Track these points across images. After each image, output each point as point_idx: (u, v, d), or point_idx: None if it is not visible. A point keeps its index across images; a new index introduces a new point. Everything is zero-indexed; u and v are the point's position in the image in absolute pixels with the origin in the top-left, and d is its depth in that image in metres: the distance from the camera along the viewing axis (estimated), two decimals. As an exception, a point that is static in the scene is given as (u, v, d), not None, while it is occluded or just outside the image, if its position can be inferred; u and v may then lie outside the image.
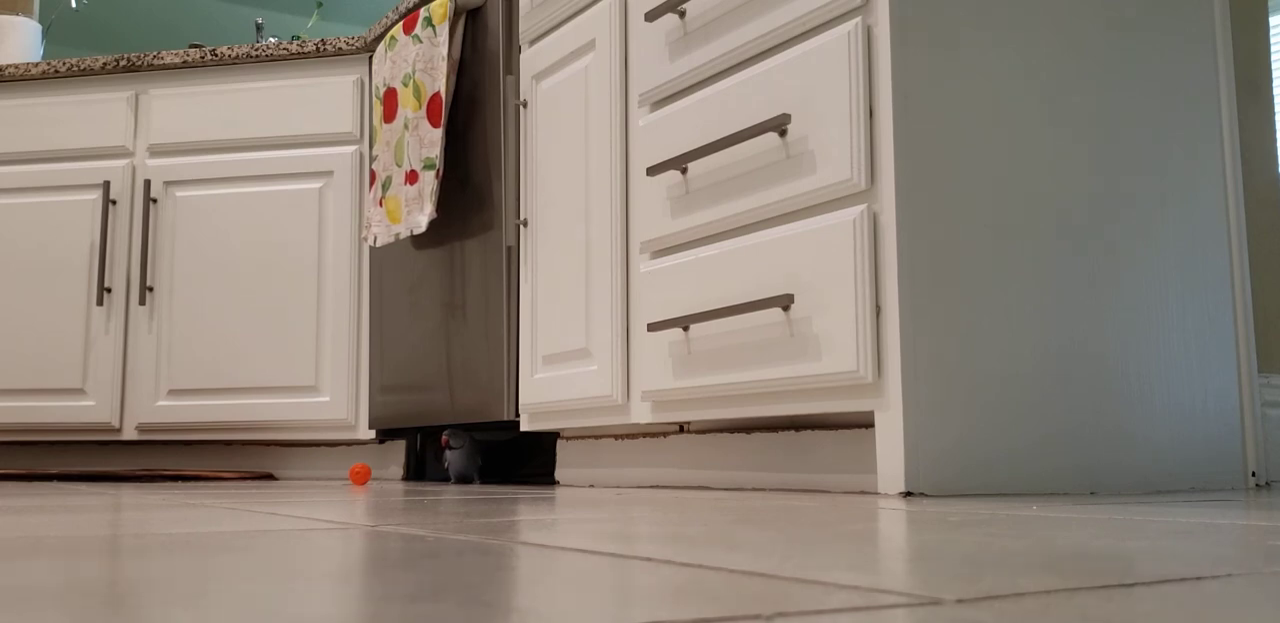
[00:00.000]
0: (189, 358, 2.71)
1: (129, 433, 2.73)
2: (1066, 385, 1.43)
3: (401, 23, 2.39)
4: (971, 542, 0.66)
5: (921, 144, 1.37)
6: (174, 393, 2.71)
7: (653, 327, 1.64)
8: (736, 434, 1.68)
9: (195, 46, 2.93)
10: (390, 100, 2.40)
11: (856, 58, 1.39)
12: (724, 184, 1.58)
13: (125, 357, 2.76)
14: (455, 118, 2.29)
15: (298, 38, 3.03)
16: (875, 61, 1.38)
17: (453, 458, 2.20)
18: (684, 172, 1.66)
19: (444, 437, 2.17)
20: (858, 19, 1.39)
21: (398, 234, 2.32)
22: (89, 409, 2.74)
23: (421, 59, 2.29)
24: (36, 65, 2.86)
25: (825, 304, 1.39)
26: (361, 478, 2.20)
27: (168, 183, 2.79)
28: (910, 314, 1.33)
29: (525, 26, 2.14)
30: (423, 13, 2.30)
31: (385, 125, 2.42)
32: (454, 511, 1.07)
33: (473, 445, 2.21)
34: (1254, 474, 1.61)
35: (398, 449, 2.66)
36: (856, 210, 1.37)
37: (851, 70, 1.39)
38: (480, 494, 1.52)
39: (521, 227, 2.08)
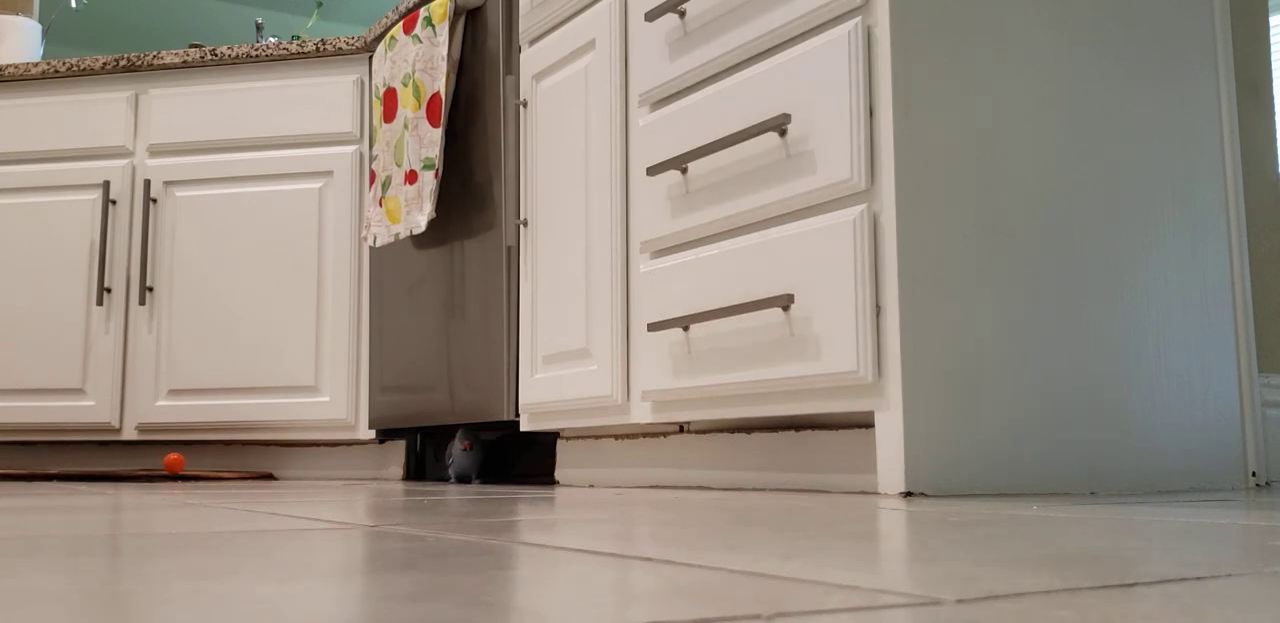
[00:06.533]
0: (189, 358, 2.71)
1: (129, 433, 2.73)
2: (1066, 385, 1.43)
3: (401, 23, 2.39)
4: (971, 542, 0.66)
5: (921, 144, 1.37)
6: (174, 393, 2.71)
7: (653, 327, 1.64)
8: (736, 434, 1.68)
9: (195, 46, 2.93)
10: (390, 100, 2.40)
11: (856, 58, 1.39)
12: (724, 184, 1.58)
13: (125, 357, 2.76)
14: (455, 118, 2.29)
15: (298, 38, 3.03)
16: (875, 61, 1.38)
17: (456, 457, 2.21)
18: (684, 171, 1.66)
19: (466, 441, 2.17)
20: (858, 19, 1.39)
21: (397, 234, 2.32)
22: (89, 409, 2.74)
23: (421, 59, 2.29)
24: (36, 65, 2.86)
25: (825, 304, 1.39)
26: (177, 467, 2.31)
27: (168, 183, 2.79)
28: (910, 314, 1.33)
29: (525, 26, 2.14)
30: (422, 13, 2.30)
31: (385, 125, 2.42)
32: (454, 511, 1.07)
33: (476, 445, 2.22)
34: (1254, 474, 1.61)
35: (398, 449, 2.66)
36: (856, 210, 1.37)
37: (851, 70, 1.39)
38: (480, 494, 1.52)
39: (521, 227, 2.08)
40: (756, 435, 1.64)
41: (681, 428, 1.80)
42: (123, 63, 2.82)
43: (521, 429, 2.09)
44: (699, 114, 1.64)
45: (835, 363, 1.37)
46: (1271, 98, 1.89)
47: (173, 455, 2.27)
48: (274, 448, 2.81)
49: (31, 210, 2.84)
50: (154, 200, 2.79)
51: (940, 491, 1.32)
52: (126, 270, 2.78)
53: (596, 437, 2.00)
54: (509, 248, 2.11)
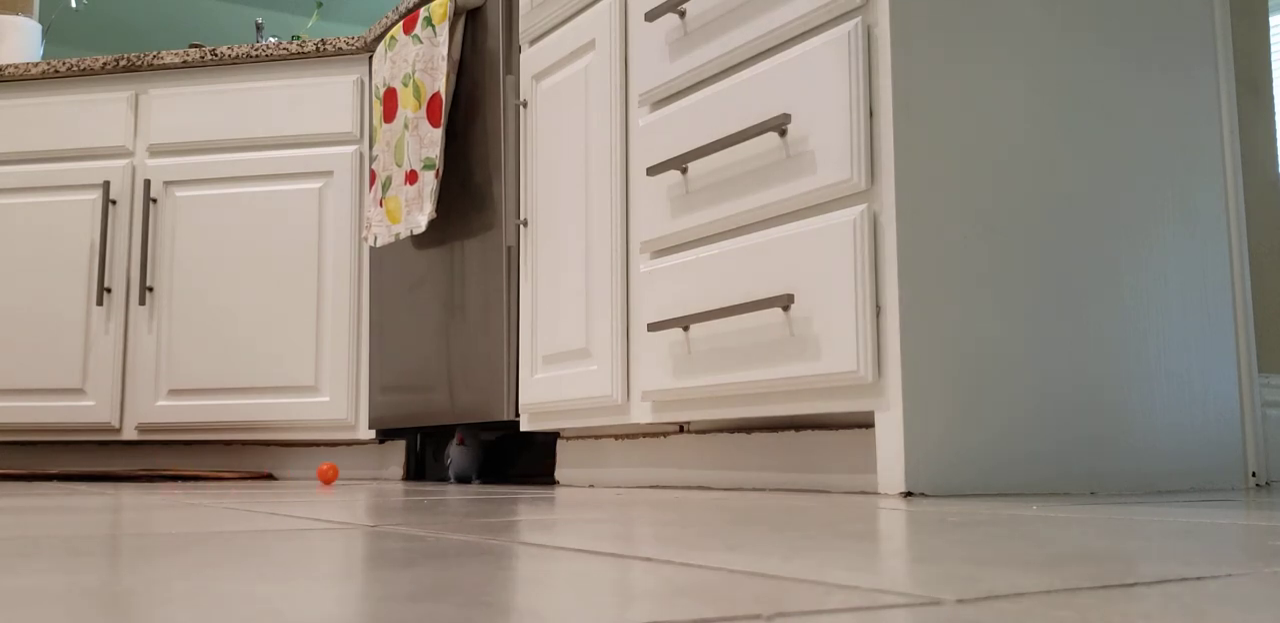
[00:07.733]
0: (189, 358, 2.71)
1: (129, 433, 2.73)
2: (1066, 385, 1.43)
3: (401, 23, 2.39)
4: (971, 542, 0.66)
5: (921, 144, 1.37)
6: (174, 393, 2.71)
7: (653, 327, 1.64)
8: (737, 434, 1.68)
9: (195, 46, 2.93)
10: (390, 100, 2.40)
11: (856, 58, 1.39)
12: (724, 184, 1.58)
13: (125, 357, 2.76)
14: (455, 118, 2.29)
15: (298, 38, 3.03)
16: (875, 61, 1.38)
17: (455, 457, 2.21)
18: (684, 171, 1.66)
19: (459, 435, 2.18)
20: (858, 19, 1.40)
21: (398, 234, 2.32)
22: (89, 409, 2.74)
23: (421, 59, 2.29)
24: (36, 65, 2.86)
25: (825, 304, 1.39)
26: (329, 476, 2.22)
27: (168, 183, 2.79)
28: (910, 314, 1.33)
29: (525, 26, 2.14)
30: (422, 13, 2.30)
31: (385, 125, 2.42)
32: (454, 511, 1.07)
33: (476, 445, 2.22)
34: (1254, 474, 1.61)
35: (398, 449, 2.66)
36: (856, 210, 1.37)
37: (851, 70, 1.39)
38: (480, 494, 1.52)
39: (521, 227, 2.08)
40: (756, 435, 1.64)
41: (681, 428, 1.80)
42: (123, 63, 2.82)
43: (521, 429, 2.09)
44: (699, 114, 1.64)
45: (835, 363, 1.37)
46: (1271, 98, 1.89)
47: (326, 464, 2.24)
48: (274, 448, 2.81)
49: (31, 210, 2.84)
50: (154, 200, 2.79)
51: (940, 490, 1.32)
52: (126, 270, 2.78)
53: (596, 437, 2.00)
54: (509, 248, 2.11)
